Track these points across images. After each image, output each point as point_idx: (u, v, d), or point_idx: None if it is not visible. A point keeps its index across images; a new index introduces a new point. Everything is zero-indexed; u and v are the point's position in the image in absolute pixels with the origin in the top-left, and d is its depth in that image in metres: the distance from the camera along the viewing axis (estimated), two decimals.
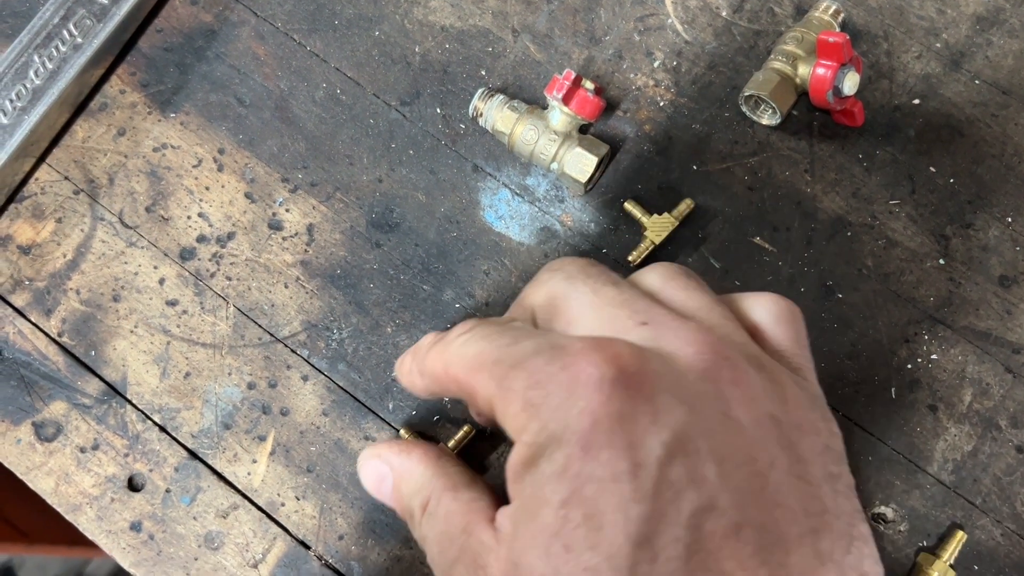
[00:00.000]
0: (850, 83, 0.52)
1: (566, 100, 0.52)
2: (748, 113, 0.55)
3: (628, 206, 0.54)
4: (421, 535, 0.37)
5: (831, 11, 0.55)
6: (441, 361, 0.37)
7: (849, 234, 0.54)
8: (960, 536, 0.49)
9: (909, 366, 0.52)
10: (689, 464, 0.29)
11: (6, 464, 0.52)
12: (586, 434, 0.29)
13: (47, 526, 1.37)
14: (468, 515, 0.34)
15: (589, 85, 0.53)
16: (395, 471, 0.41)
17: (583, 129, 0.56)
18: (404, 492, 0.40)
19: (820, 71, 0.51)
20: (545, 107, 0.55)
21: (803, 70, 0.53)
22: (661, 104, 0.57)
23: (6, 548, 1.26)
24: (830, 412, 0.36)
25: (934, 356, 0.52)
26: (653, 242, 0.53)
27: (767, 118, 0.55)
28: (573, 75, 0.52)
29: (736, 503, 0.29)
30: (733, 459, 0.30)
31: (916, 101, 0.56)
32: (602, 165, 0.55)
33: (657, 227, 0.53)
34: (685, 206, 0.54)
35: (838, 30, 0.55)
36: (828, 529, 0.30)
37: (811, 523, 0.30)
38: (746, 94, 0.54)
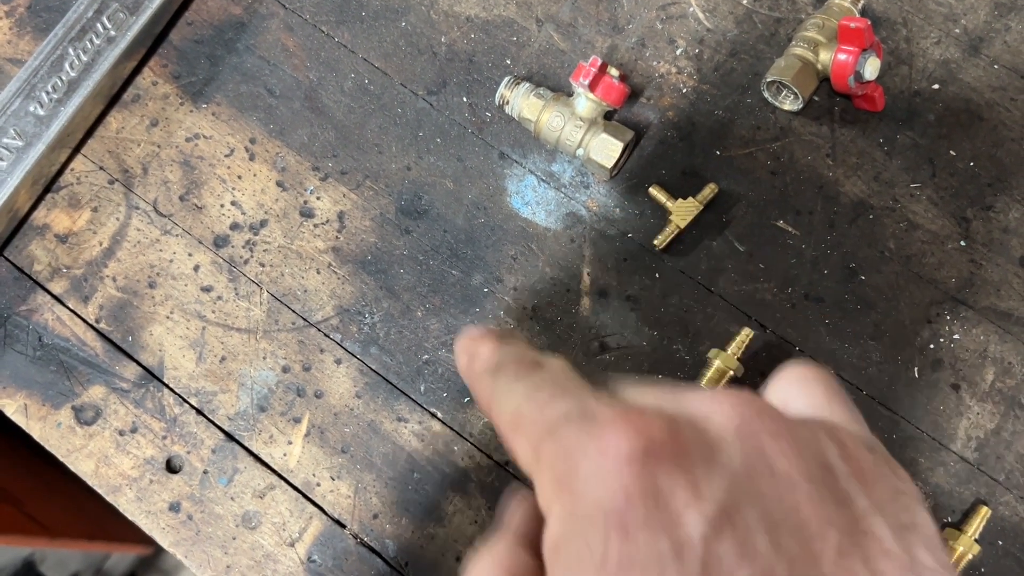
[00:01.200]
0: (871, 68, 0.52)
1: (592, 87, 0.53)
2: (770, 99, 0.56)
3: (653, 191, 0.55)
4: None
5: None
6: (486, 398, 0.36)
7: (871, 217, 0.55)
8: (984, 512, 0.50)
9: (931, 346, 0.53)
10: (738, 537, 0.27)
11: (47, 447, 0.54)
12: (621, 515, 0.28)
13: (68, 520, 1.39)
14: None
15: (614, 72, 0.54)
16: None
17: (608, 116, 0.57)
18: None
19: (842, 56, 0.52)
20: (570, 94, 0.56)
21: (824, 56, 0.54)
22: (684, 91, 0.58)
23: (28, 542, 1.28)
24: (890, 456, 0.33)
25: (956, 336, 0.53)
26: (678, 226, 0.54)
27: (789, 103, 0.56)
28: (599, 62, 0.53)
29: (794, 573, 0.27)
30: (786, 524, 0.28)
31: (936, 86, 0.57)
32: (627, 151, 0.56)
33: (682, 211, 0.54)
34: (709, 190, 0.55)
35: (858, 16, 0.56)
36: None
37: None
38: (768, 80, 0.55)
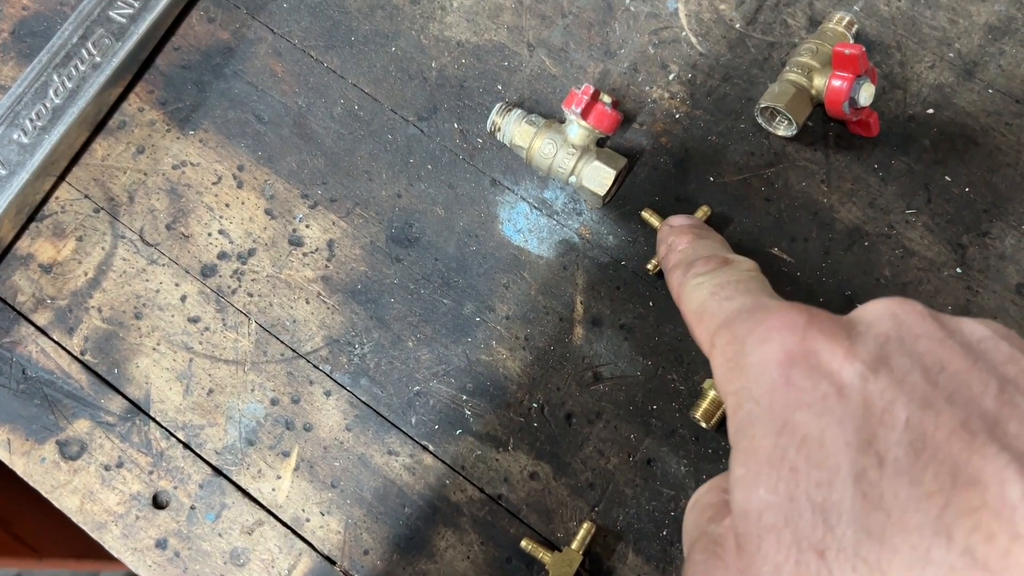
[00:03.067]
0: (866, 94, 0.52)
1: (584, 114, 0.53)
2: (764, 124, 0.56)
3: (645, 215, 0.54)
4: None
5: (845, 22, 0.56)
6: (678, 289, 0.42)
7: (866, 244, 0.54)
8: None
9: None
10: (894, 377, 0.29)
11: (31, 483, 0.53)
12: (785, 368, 0.31)
13: (55, 541, 1.37)
14: None
15: (607, 99, 0.54)
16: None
17: (600, 142, 0.56)
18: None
19: (836, 83, 0.52)
20: (562, 121, 0.55)
21: (818, 81, 0.53)
22: (677, 116, 0.57)
23: (16, 563, 1.26)
24: None
25: None
26: None
27: (783, 129, 0.56)
28: (592, 89, 0.53)
29: (953, 402, 0.29)
30: (940, 370, 0.30)
31: (930, 111, 0.56)
32: (620, 178, 0.55)
33: None
34: (702, 213, 0.54)
35: (852, 41, 0.55)
36: None
37: None
38: (762, 106, 0.54)
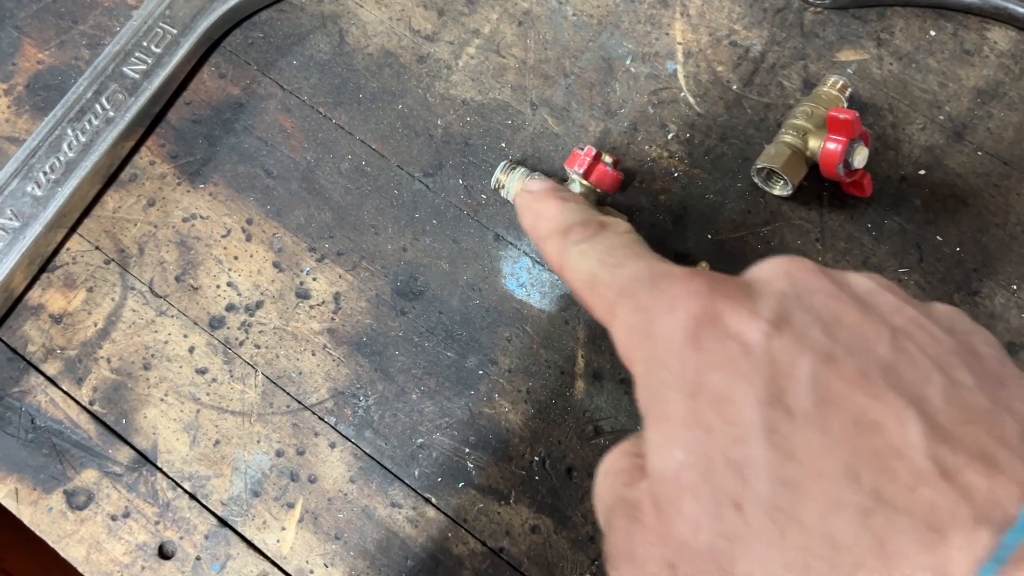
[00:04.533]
0: (860, 157, 0.54)
1: (586, 175, 0.54)
2: (760, 184, 0.57)
3: None
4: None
5: (838, 86, 0.57)
6: (558, 259, 0.41)
7: None
8: None
9: None
10: (794, 333, 0.31)
11: (38, 532, 0.53)
12: (692, 332, 0.31)
13: None
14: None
15: (608, 159, 0.55)
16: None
17: (601, 200, 0.57)
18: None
19: (831, 146, 0.53)
20: (565, 179, 0.57)
21: (813, 144, 0.55)
22: (675, 175, 0.59)
23: None
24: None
25: None
26: None
27: (779, 189, 0.57)
28: (594, 151, 0.54)
29: (852, 352, 0.30)
30: (837, 324, 0.31)
31: (922, 172, 0.58)
32: None
33: None
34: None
35: (845, 105, 0.57)
36: (965, 367, 0.31)
37: (942, 361, 0.31)
38: (758, 166, 0.56)
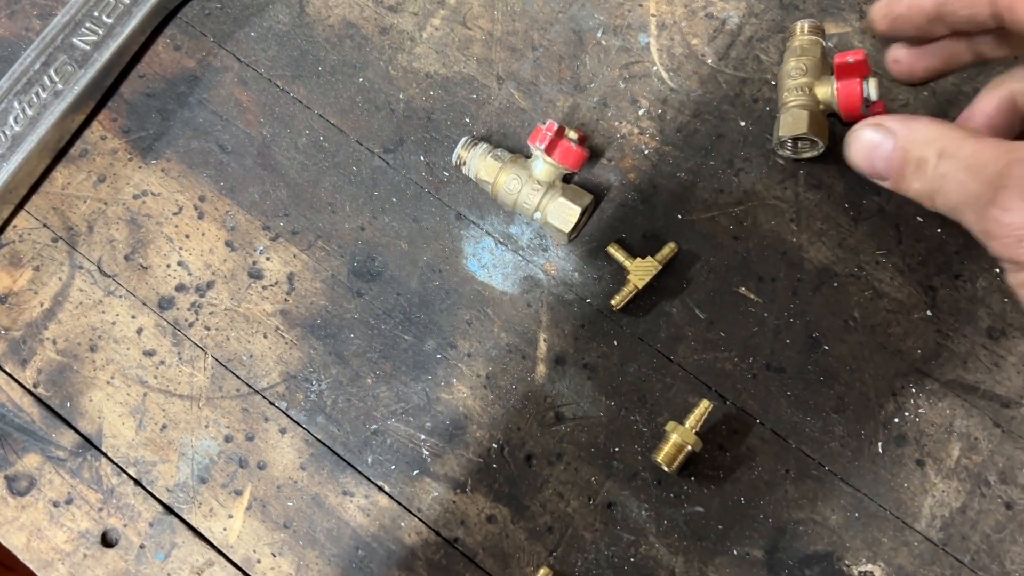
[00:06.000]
0: (875, 89, 0.52)
1: (549, 150, 0.52)
2: (788, 155, 0.55)
3: (611, 250, 0.54)
4: (937, 175, 0.40)
5: (808, 28, 0.54)
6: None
7: (835, 285, 0.53)
8: None
9: (896, 420, 0.51)
10: None
11: None
12: None
13: None
14: (1002, 146, 0.37)
15: (573, 135, 0.53)
16: (900, 132, 0.42)
17: (567, 178, 0.55)
18: (913, 144, 0.42)
19: (849, 87, 0.51)
20: (529, 156, 0.55)
21: (821, 92, 0.52)
22: (646, 152, 0.56)
23: None
24: None
25: (921, 410, 0.51)
26: (636, 286, 0.52)
27: (809, 151, 0.54)
28: (556, 126, 0.52)
29: None
30: None
31: None
32: (585, 214, 0.54)
33: (640, 271, 0.53)
34: (669, 250, 0.53)
35: (824, 43, 0.55)
36: None
37: None
38: (782, 138, 0.53)
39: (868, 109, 0.52)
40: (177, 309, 0.54)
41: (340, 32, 0.59)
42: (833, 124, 0.54)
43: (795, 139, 0.54)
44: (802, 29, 0.54)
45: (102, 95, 0.58)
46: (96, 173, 0.57)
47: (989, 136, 0.41)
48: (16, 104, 0.56)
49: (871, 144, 0.44)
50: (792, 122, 0.53)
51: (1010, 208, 0.36)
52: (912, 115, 0.44)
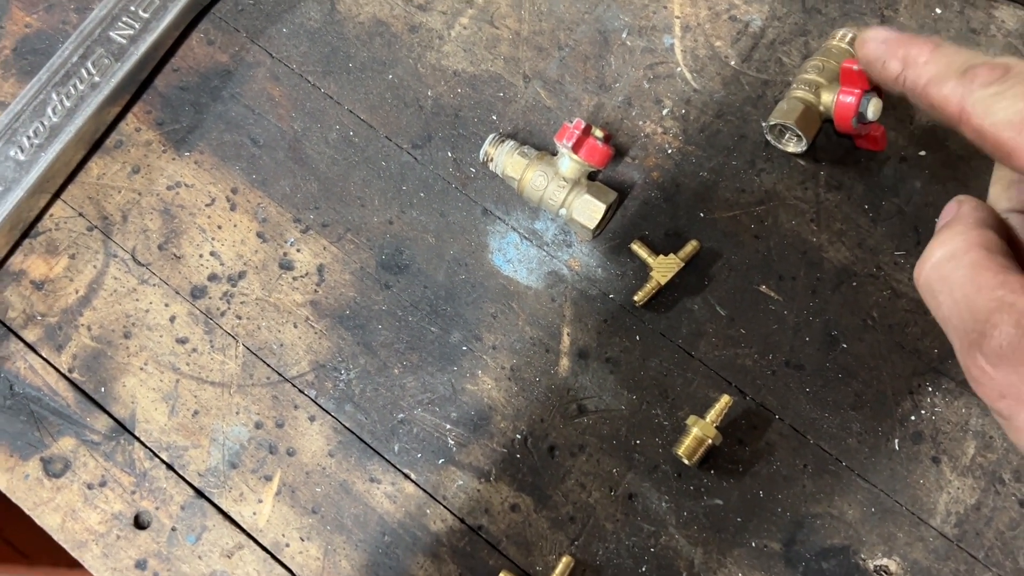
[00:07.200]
0: (874, 109, 0.52)
1: (576, 148, 0.53)
2: (772, 141, 0.56)
3: (635, 247, 0.55)
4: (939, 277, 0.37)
5: (848, 39, 0.55)
6: (958, 104, 0.37)
7: (854, 284, 0.54)
8: None
9: (912, 418, 0.52)
10: None
11: (13, 499, 0.53)
12: None
13: (48, 548, 1.37)
14: (998, 278, 0.34)
15: (599, 133, 0.54)
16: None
17: (592, 175, 0.56)
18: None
19: (845, 99, 0.52)
20: (555, 153, 0.56)
21: (826, 98, 0.53)
22: (669, 151, 0.57)
23: (7, 570, 1.26)
24: None
25: (938, 408, 0.52)
26: (659, 282, 0.54)
27: (792, 146, 0.56)
28: (583, 124, 0.53)
29: None
30: None
31: (922, 152, 0.56)
32: (610, 211, 0.55)
33: (663, 268, 0.54)
34: (691, 247, 0.54)
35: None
36: None
37: None
38: (771, 123, 0.54)
39: (864, 127, 0.53)
40: (209, 298, 0.56)
41: (370, 29, 0.60)
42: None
43: (783, 128, 0.55)
44: (842, 37, 0.55)
45: (137, 88, 0.60)
46: (131, 164, 0.59)
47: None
48: (54, 95, 0.57)
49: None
50: (785, 110, 0.54)
51: (993, 364, 0.33)
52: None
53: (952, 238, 0.38)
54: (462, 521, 0.52)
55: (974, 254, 0.36)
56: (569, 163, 0.54)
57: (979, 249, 0.36)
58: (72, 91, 0.58)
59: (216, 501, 0.52)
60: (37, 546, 1.32)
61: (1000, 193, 0.45)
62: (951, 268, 0.36)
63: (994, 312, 0.33)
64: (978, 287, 0.34)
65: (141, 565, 0.52)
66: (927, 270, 0.38)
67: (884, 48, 0.42)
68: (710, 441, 0.50)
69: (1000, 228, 0.40)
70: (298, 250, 0.56)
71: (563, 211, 0.54)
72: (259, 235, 0.57)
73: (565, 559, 0.50)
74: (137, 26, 0.59)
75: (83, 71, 0.58)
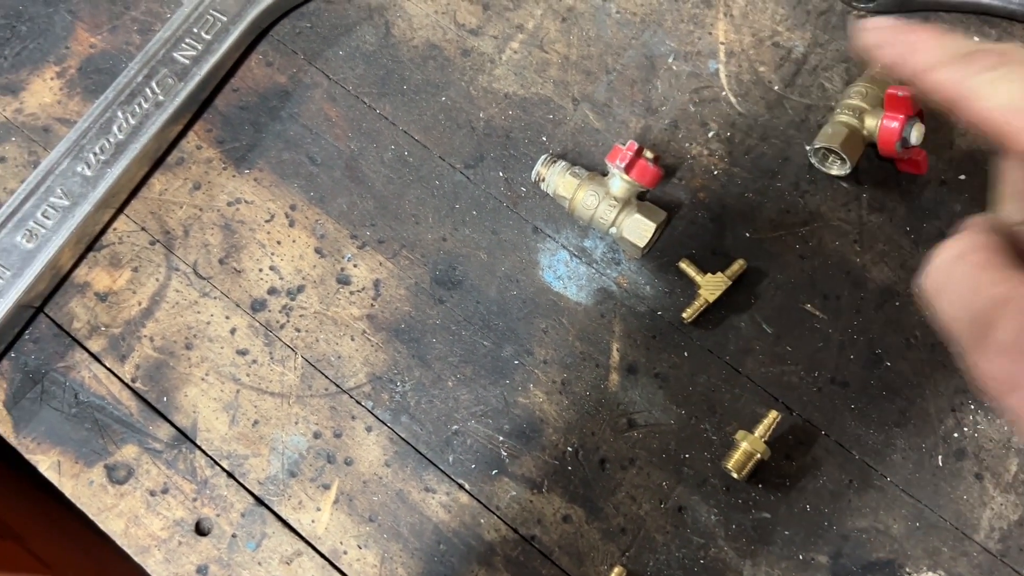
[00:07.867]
0: (917, 134, 0.54)
1: (628, 169, 0.55)
2: (817, 165, 0.57)
3: (683, 265, 0.56)
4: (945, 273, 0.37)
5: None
6: (955, 86, 0.36)
7: (897, 304, 0.56)
8: None
9: (956, 435, 0.53)
10: None
11: (78, 504, 0.54)
12: None
13: (71, 559, 1.38)
14: (1002, 274, 0.33)
15: (649, 155, 0.56)
16: None
17: (641, 196, 0.58)
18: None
19: (889, 123, 0.54)
20: (604, 173, 0.57)
21: (870, 122, 0.55)
22: (715, 173, 0.59)
23: None
24: None
25: (980, 426, 0.53)
26: (707, 300, 0.55)
27: (836, 168, 0.57)
28: (636, 145, 0.55)
29: None
30: None
31: (962, 176, 0.58)
32: (659, 231, 0.57)
33: (711, 286, 0.55)
34: (738, 266, 0.56)
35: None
36: None
37: None
38: (817, 146, 0.56)
39: (906, 151, 0.55)
40: (269, 311, 0.57)
41: (424, 53, 0.62)
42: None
43: (827, 151, 0.57)
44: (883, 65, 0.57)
45: (198, 107, 0.62)
46: (192, 180, 0.60)
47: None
48: (120, 114, 0.59)
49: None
50: (830, 134, 0.55)
51: (1001, 357, 0.32)
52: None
53: (959, 242, 0.39)
54: (515, 531, 0.53)
55: (981, 254, 0.35)
56: (620, 183, 0.56)
57: (986, 250, 0.35)
58: (137, 109, 0.60)
59: (276, 509, 0.54)
60: (61, 558, 1.33)
61: (1013, 205, 0.45)
62: (956, 268, 0.35)
63: (1000, 306, 0.32)
64: (983, 284, 0.33)
65: (202, 571, 0.53)
66: (932, 272, 0.38)
67: (885, 34, 0.42)
68: (759, 455, 0.52)
69: (1011, 237, 0.41)
70: (355, 265, 0.58)
71: (613, 230, 0.56)
72: (317, 251, 0.58)
73: (617, 570, 0.51)
74: (200, 47, 0.61)
75: (147, 90, 0.60)
